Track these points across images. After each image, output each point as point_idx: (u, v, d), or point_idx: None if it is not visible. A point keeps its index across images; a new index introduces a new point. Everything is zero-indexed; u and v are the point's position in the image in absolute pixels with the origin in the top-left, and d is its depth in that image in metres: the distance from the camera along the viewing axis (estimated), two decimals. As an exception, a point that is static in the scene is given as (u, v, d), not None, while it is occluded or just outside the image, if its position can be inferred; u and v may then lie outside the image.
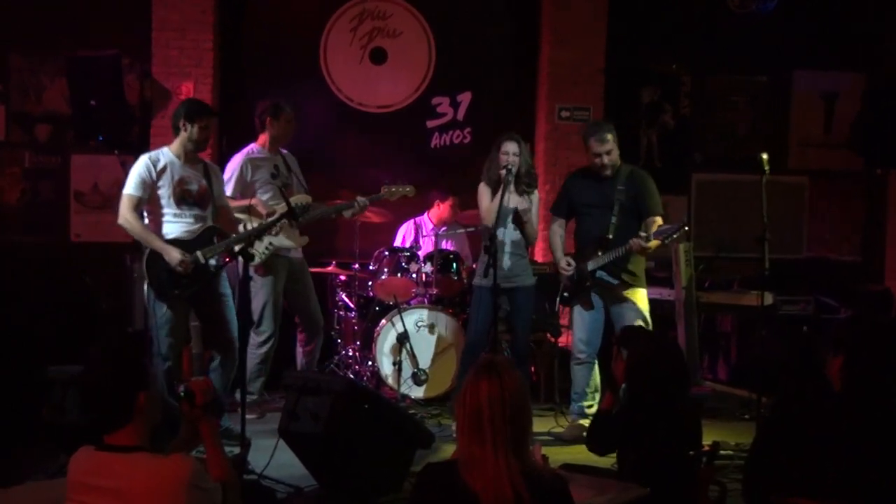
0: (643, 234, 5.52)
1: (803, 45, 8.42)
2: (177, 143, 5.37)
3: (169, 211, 5.32)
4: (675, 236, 5.52)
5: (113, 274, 7.17)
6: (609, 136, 5.71)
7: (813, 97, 8.56)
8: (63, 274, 7.45)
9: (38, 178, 7.85)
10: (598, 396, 5.92)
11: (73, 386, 4.44)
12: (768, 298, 6.26)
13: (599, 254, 5.67)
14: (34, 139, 7.84)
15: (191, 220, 5.34)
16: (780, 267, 6.06)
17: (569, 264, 5.80)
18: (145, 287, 5.31)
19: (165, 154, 5.37)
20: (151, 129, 7.61)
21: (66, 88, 7.51)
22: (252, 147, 6.12)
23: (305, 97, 7.57)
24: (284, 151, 6.25)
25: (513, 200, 5.77)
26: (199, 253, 5.23)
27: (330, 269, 7.12)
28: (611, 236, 5.65)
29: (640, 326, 5.24)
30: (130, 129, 7.59)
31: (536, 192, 5.98)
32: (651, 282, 6.58)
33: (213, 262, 5.32)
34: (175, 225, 5.33)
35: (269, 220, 5.46)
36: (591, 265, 5.71)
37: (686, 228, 5.45)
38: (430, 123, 8.26)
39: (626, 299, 5.72)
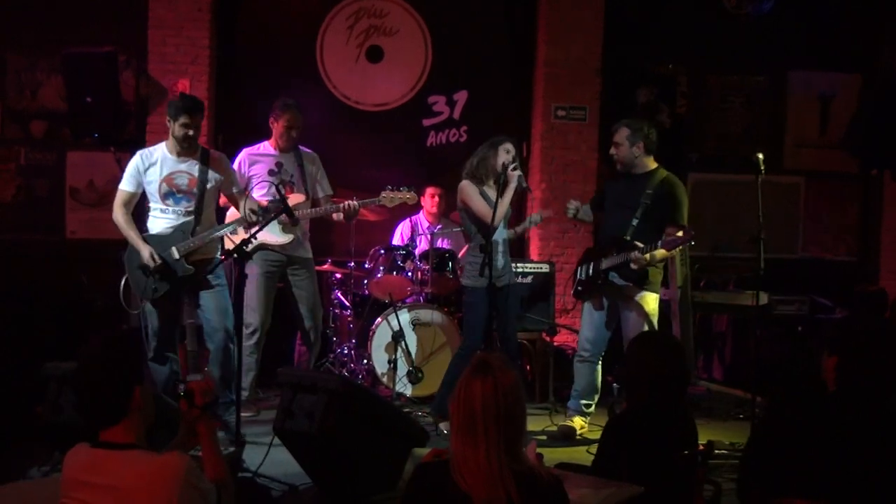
0: (642, 245, 5.46)
1: (799, 46, 8.45)
2: (170, 139, 5.42)
3: (156, 206, 5.40)
4: (681, 247, 5.53)
5: (108, 271, 7.13)
6: (621, 129, 5.72)
7: (809, 98, 8.58)
8: (58, 271, 7.44)
9: (33, 175, 7.83)
10: (597, 398, 5.91)
11: (68, 383, 4.43)
12: (763, 298, 6.28)
13: (615, 253, 5.66)
14: (29, 136, 7.83)
15: (174, 215, 5.38)
16: (776, 267, 6.06)
17: (571, 203, 6.03)
18: (123, 281, 5.41)
19: (160, 149, 5.42)
20: (147, 125, 7.60)
21: (62, 85, 7.50)
22: (263, 143, 6.18)
23: (301, 95, 7.51)
24: (306, 150, 6.25)
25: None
26: (173, 248, 5.29)
27: (326, 266, 7.11)
28: (628, 237, 5.59)
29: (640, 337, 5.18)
30: (126, 126, 7.58)
31: None
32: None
33: (213, 248, 5.41)
34: (158, 220, 5.40)
35: (268, 219, 5.43)
36: (604, 263, 5.67)
37: (693, 243, 5.43)
38: (427, 122, 8.27)
39: (634, 303, 5.62)
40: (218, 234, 5.50)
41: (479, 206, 5.69)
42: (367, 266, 7.05)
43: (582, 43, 8.00)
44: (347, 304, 7.18)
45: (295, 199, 5.96)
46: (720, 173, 8.39)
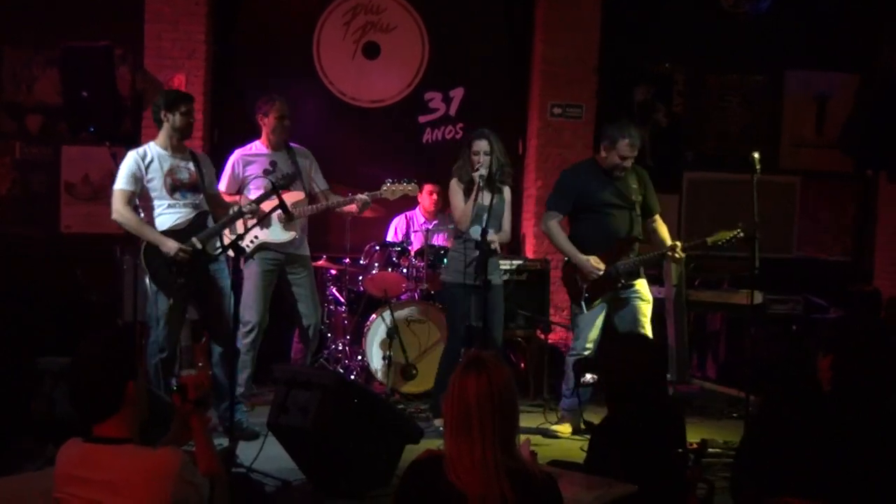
0: (675, 243, 5.64)
1: (796, 46, 8.44)
2: (162, 135, 5.45)
3: (162, 202, 5.36)
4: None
5: (103, 266, 7.15)
6: (630, 137, 5.67)
7: (805, 98, 8.58)
8: (53, 266, 7.43)
9: (28, 170, 7.82)
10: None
11: (63, 378, 4.42)
12: (758, 297, 6.29)
13: (631, 255, 5.67)
14: (25, 130, 7.81)
15: (184, 209, 5.38)
16: (770, 266, 6.08)
17: (598, 263, 5.63)
18: (147, 280, 5.32)
19: (152, 148, 5.43)
20: (143, 120, 7.58)
21: (58, 79, 7.48)
22: (253, 143, 6.10)
23: (298, 91, 7.56)
24: (297, 147, 6.21)
25: (486, 198, 5.68)
26: (194, 239, 5.29)
27: (321, 263, 7.09)
28: (641, 237, 5.74)
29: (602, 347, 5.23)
30: (122, 120, 7.55)
31: (507, 189, 5.91)
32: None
33: (214, 245, 5.41)
34: (169, 216, 5.36)
35: (262, 215, 5.42)
36: (622, 266, 5.64)
37: (741, 235, 5.52)
38: (423, 119, 8.26)
39: (638, 292, 5.75)
40: (236, 219, 5.50)
41: (455, 204, 5.80)
42: (362, 262, 7.05)
43: (579, 41, 7.99)
44: (342, 300, 7.17)
45: (294, 196, 5.93)
46: (716, 172, 8.39)
